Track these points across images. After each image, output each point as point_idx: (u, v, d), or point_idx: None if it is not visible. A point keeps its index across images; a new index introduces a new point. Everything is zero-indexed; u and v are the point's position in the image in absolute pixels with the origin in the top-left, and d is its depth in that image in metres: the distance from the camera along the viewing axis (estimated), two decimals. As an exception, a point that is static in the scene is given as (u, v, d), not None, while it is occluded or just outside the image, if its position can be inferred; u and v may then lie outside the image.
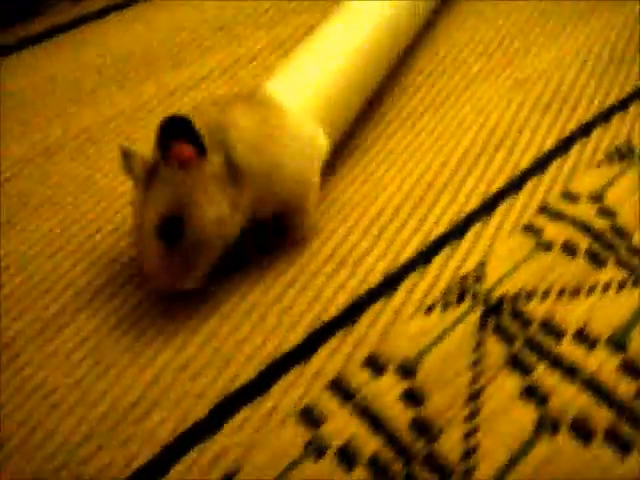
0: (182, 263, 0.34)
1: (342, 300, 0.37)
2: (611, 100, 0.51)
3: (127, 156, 0.36)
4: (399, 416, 0.32)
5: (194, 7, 0.64)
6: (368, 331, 0.35)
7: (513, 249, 0.39)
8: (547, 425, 0.31)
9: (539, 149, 0.46)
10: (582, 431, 0.31)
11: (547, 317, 0.35)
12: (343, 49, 0.43)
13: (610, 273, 0.38)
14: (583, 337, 0.35)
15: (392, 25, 0.48)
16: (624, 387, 0.32)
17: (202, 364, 0.34)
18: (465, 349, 0.34)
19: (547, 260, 0.39)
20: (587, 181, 0.44)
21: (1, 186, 0.45)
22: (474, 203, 0.42)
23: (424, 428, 0.31)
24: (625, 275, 0.38)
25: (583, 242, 0.39)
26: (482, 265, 0.38)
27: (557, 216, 0.41)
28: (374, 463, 0.30)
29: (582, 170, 0.44)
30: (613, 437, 0.31)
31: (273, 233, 0.40)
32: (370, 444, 0.31)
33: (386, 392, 0.33)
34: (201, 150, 0.34)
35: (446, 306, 0.36)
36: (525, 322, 0.35)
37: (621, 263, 0.38)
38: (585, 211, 0.41)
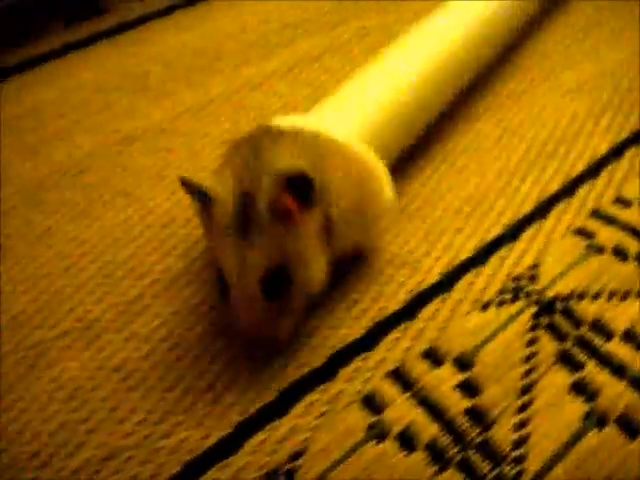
0: (282, 316, 0.34)
1: (403, 297, 0.39)
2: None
3: (204, 201, 0.33)
4: (456, 405, 0.33)
5: (256, 8, 0.66)
6: (427, 325, 0.37)
7: (566, 251, 0.40)
8: (595, 419, 0.33)
9: (592, 155, 0.47)
10: (629, 426, 0.32)
11: (597, 317, 0.37)
12: (405, 76, 0.44)
13: (659, 277, 0.39)
14: (631, 337, 0.36)
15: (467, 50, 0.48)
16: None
17: (270, 353, 0.36)
18: (518, 345, 0.36)
19: (598, 263, 0.40)
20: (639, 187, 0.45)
21: (75, 177, 0.47)
22: (529, 207, 0.44)
23: (479, 417, 0.33)
24: (674, 279, 0.39)
25: (633, 247, 0.40)
26: (536, 266, 0.40)
27: (609, 220, 0.42)
28: (432, 447, 0.32)
29: (634, 176, 0.45)
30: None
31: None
32: (428, 430, 0.33)
33: (444, 382, 0.34)
34: (309, 204, 0.33)
35: (501, 304, 0.38)
36: (576, 321, 0.37)
37: (670, 268, 0.39)
38: (636, 216, 0.42)
